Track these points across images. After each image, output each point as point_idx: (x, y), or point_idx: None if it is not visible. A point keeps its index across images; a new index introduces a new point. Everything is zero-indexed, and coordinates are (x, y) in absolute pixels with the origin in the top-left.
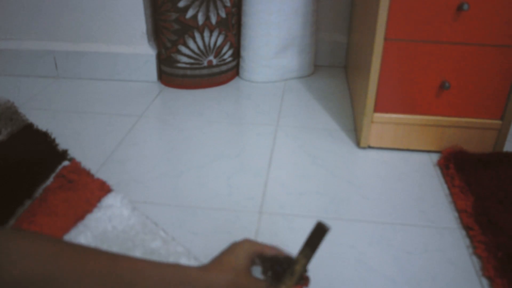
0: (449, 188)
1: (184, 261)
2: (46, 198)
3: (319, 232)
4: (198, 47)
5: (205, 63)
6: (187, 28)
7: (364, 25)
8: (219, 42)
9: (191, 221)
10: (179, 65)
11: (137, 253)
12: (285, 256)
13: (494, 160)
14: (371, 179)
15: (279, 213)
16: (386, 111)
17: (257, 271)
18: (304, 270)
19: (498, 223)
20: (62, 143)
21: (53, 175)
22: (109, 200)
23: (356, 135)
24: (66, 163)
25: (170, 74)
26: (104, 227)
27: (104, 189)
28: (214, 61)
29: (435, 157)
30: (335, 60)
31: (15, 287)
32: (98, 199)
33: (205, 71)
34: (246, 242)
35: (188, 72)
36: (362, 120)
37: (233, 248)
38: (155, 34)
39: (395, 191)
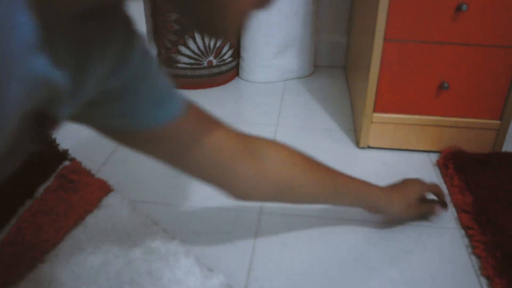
0: (448, 188)
1: (183, 260)
2: (47, 198)
3: None
4: (198, 48)
5: (205, 64)
6: (187, 29)
7: (363, 26)
8: (219, 43)
9: (191, 221)
10: (179, 65)
11: (137, 253)
12: None
13: (493, 160)
14: (370, 179)
15: (279, 213)
16: (386, 111)
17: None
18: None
19: (497, 222)
20: (63, 143)
21: (54, 175)
22: (109, 200)
23: (356, 135)
24: (66, 163)
25: (170, 74)
26: (105, 227)
27: (104, 188)
28: (214, 62)
29: (434, 157)
30: (335, 60)
31: (272, 185)
32: (99, 198)
33: (205, 72)
34: (416, 182)
35: (188, 72)
36: (361, 120)
37: (411, 181)
38: (155, 34)
39: None
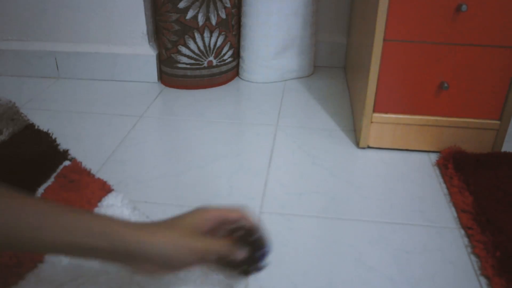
0: (448, 188)
1: None
2: (47, 198)
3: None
4: (198, 48)
5: (205, 64)
6: (187, 29)
7: (363, 26)
8: (219, 43)
9: None
10: (179, 65)
11: None
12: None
13: (493, 160)
14: (370, 179)
15: (279, 213)
16: (385, 112)
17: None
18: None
19: (496, 222)
20: (63, 143)
21: (54, 175)
22: (109, 200)
23: (356, 135)
24: (67, 163)
25: (171, 74)
26: None
27: (104, 188)
28: (214, 62)
29: (434, 157)
30: (335, 60)
31: None
32: (99, 198)
33: (205, 72)
34: (206, 207)
35: (188, 72)
36: (361, 120)
37: (192, 211)
38: (155, 34)
39: (394, 191)
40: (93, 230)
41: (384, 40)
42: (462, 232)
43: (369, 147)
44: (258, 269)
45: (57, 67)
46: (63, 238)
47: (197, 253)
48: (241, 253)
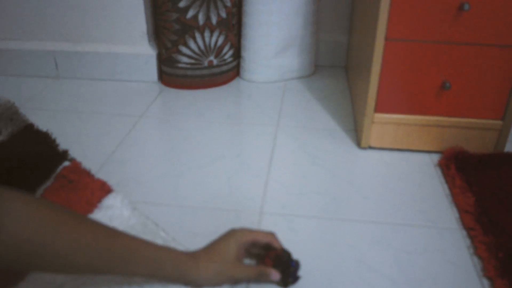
0: (449, 188)
1: None
2: (47, 199)
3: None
4: (199, 47)
5: (206, 63)
6: (188, 28)
7: (364, 25)
8: (219, 42)
9: (191, 221)
10: (180, 65)
11: None
12: (278, 247)
13: (495, 160)
14: (371, 179)
15: (279, 213)
16: (387, 111)
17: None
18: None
19: (499, 223)
20: (63, 143)
21: (54, 175)
22: (109, 201)
23: (357, 135)
24: (66, 163)
25: (171, 74)
26: None
27: (104, 189)
28: (215, 61)
29: (435, 157)
30: (336, 60)
31: (10, 247)
32: (99, 199)
33: (205, 71)
34: (240, 231)
35: (189, 72)
36: (362, 120)
37: (227, 237)
38: (155, 34)
39: (396, 191)
40: (167, 264)
41: (386, 39)
42: (464, 233)
43: (370, 147)
44: (295, 280)
45: (57, 67)
46: (149, 271)
47: (237, 280)
48: (275, 275)
